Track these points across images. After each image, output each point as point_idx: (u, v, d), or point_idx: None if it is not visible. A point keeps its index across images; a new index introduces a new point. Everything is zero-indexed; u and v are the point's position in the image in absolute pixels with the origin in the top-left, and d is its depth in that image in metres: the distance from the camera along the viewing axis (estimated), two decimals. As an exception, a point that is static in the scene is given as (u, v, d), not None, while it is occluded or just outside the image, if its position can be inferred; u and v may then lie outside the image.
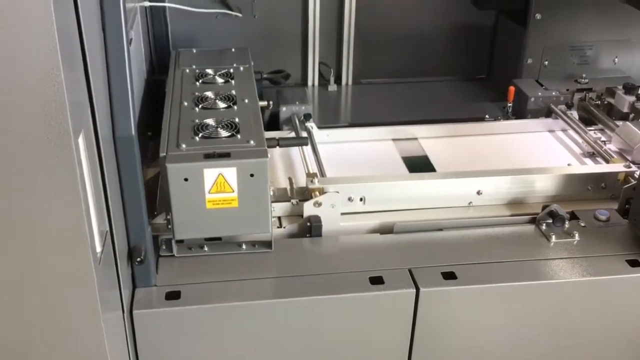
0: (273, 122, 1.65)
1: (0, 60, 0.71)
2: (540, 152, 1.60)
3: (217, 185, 1.09)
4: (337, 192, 1.28)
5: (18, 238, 0.81)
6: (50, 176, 0.78)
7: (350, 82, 2.02)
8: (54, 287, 0.85)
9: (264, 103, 1.56)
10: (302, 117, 1.64)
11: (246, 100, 1.31)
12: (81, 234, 0.81)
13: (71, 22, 0.79)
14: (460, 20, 1.99)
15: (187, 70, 1.43)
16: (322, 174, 1.38)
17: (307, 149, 1.49)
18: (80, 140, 0.80)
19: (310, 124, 1.61)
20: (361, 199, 1.32)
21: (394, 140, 1.65)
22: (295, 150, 1.55)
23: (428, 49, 2.02)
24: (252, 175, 1.09)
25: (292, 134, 1.60)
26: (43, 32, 0.71)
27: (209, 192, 1.09)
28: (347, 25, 1.94)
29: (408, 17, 1.97)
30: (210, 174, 1.08)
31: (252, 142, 1.14)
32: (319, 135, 1.60)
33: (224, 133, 1.18)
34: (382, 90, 1.99)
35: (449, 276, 1.14)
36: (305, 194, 1.30)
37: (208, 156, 1.09)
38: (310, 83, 2.01)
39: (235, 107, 1.28)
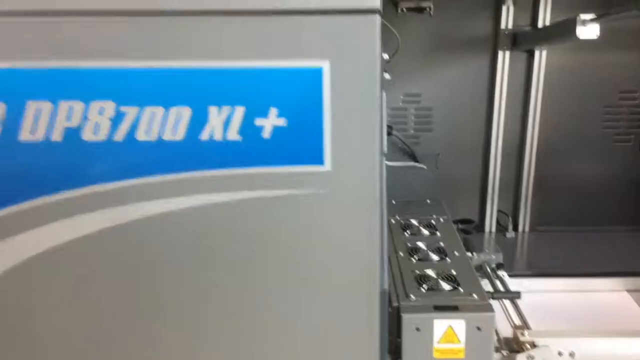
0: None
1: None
2: None
3: (446, 336, 1.15)
4: (548, 345, 1.30)
5: None
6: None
7: (527, 229, 2.07)
8: None
9: (459, 252, 1.64)
10: (494, 266, 1.69)
11: (456, 253, 1.39)
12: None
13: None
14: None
15: (393, 221, 1.55)
16: (527, 326, 1.40)
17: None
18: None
19: (502, 273, 1.66)
20: (570, 354, 1.32)
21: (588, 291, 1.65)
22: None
23: (609, 196, 2.03)
24: (478, 328, 1.14)
25: (485, 281, 1.64)
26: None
27: (437, 342, 1.15)
28: (527, 174, 2.01)
29: (589, 163, 2.02)
30: (440, 325, 1.14)
31: (474, 295, 1.21)
32: (511, 284, 1.64)
33: (445, 285, 1.25)
34: (561, 239, 2.01)
35: None
36: (512, 346, 1.33)
37: (438, 308, 1.17)
38: (487, 229, 2.07)
39: (448, 259, 1.36)
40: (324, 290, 0.98)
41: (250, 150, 0.92)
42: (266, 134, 0.92)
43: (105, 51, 0.89)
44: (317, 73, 0.90)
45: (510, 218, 2.03)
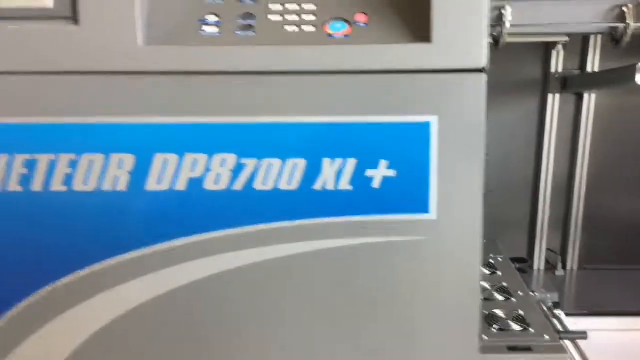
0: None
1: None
2: None
3: (525, 376, 1.19)
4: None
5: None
6: None
7: (575, 267, 2.11)
8: None
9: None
10: (550, 305, 1.73)
11: (520, 293, 1.44)
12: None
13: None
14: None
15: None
16: (595, 365, 1.44)
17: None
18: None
19: (559, 312, 1.69)
20: (642, 393, 1.36)
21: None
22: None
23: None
24: (557, 368, 1.18)
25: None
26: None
27: (517, 382, 1.19)
28: (575, 212, 2.06)
29: (637, 202, 2.06)
30: (519, 365, 1.19)
31: (546, 336, 1.25)
32: (569, 323, 1.67)
33: (516, 326, 1.30)
34: (610, 276, 2.05)
35: None
36: (583, 385, 1.36)
37: (512, 349, 1.21)
38: (536, 267, 2.11)
39: (514, 299, 1.40)
40: (424, 334, 1.02)
41: (360, 199, 0.98)
42: (376, 184, 0.98)
43: (228, 107, 0.96)
44: (426, 127, 0.96)
45: (559, 256, 2.07)
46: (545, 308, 1.71)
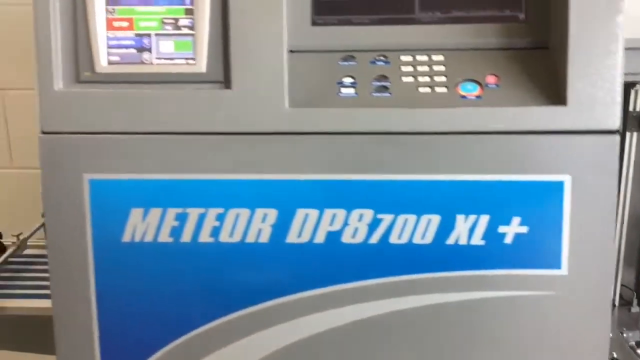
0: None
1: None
2: None
3: None
4: None
5: None
6: None
7: (654, 305, 2.07)
8: None
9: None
10: (633, 344, 1.71)
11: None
12: None
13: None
14: None
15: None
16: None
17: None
18: None
19: (645, 352, 1.68)
20: None
21: None
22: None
23: None
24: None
25: None
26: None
27: None
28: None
29: None
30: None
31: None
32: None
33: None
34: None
35: None
36: None
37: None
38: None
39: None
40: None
41: (491, 254, 1.01)
42: (508, 239, 1.01)
43: (366, 165, 1.01)
44: (559, 186, 0.99)
45: (634, 292, 2.05)
46: (628, 346, 1.70)
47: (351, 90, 1.03)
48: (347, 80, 1.04)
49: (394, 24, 1.09)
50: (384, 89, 1.03)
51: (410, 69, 1.05)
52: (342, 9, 1.09)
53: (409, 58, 1.07)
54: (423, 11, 1.09)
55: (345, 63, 1.06)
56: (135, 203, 1.03)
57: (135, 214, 1.03)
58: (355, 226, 1.02)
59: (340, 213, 1.02)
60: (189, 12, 1.01)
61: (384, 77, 1.04)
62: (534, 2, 1.07)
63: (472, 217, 1.01)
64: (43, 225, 1.36)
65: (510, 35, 1.07)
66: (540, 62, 1.04)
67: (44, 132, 1.02)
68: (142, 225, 1.03)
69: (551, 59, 1.03)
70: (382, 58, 1.07)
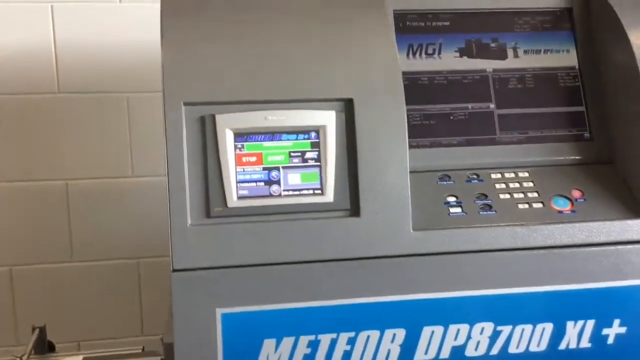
0: None
1: None
2: None
3: None
4: None
5: None
6: None
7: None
8: None
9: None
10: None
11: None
12: None
13: None
14: None
15: None
16: None
17: None
18: None
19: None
20: None
21: None
22: None
23: None
24: None
25: None
26: None
27: None
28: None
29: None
30: None
31: None
32: None
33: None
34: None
35: None
36: None
37: None
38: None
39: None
40: None
41: (596, 355, 1.11)
42: (610, 340, 1.11)
43: (484, 281, 1.08)
44: (654, 287, 1.11)
45: None
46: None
47: (458, 210, 1.11)
48: (452, 199, 1.12)
49: (478, 145, 1.20)
50: (488, 207, 1.12)
51: (503, 186, 1.15)
52: (431, 133, 1.19)
53: (498, 175, 1.17)
54: (503, 132, 1.21)
55: (444, 182, 1.15)
56: (268, 334, 1.03)
57: (268, 345, 1.03)
58: (478, 339, 1.08)
59: (464, 328, 1.08)
60: (315, 145, 1.06)
61: (484, 195, 1.13)
62: (597, 122, 1.22)
63: (580, 323, 1.10)
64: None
65: (579, 152, 1.20)
66: (608, 176, 1.18)
67: (175, 270, 1.01)
68: (274, 356, 1.04)
69: (618, 173, 1.17)
70: (475, 176, 1.16)
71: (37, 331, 1.88)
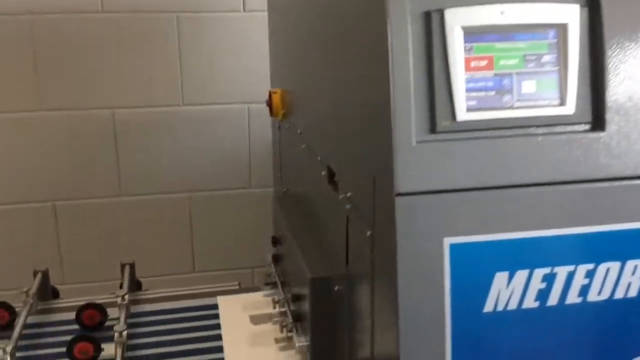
0: None
1: None
2: None
3: None
4: None
5: None
6: None
7: None
8: None
9: None
10: None
11: None
12: None
13: None
14: None
15: None
16: None
17: None
18: None
19: None
20: None
21: None
22: None
23: None
24: None
25: None
26: None
27: None
28: None
29: None
30: None
31: None
32: None
33: None
34: None
35: None
36: None
37: None
38: None
39: None
40: None
41: None
42: None
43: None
44: None
45: None
46: None
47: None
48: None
49: None
50: None
51: None
52: None
53: None
54: None
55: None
56: (500, 267, 0.90)
57: (500, 278, 0.90)
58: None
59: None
60: (553, 46, 0.89)
61: None
62: None
63: None
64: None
65: None
66: None
67: (398, 194, 0.87)
68: (506, 292, 0.91)
69: None
70: None
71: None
